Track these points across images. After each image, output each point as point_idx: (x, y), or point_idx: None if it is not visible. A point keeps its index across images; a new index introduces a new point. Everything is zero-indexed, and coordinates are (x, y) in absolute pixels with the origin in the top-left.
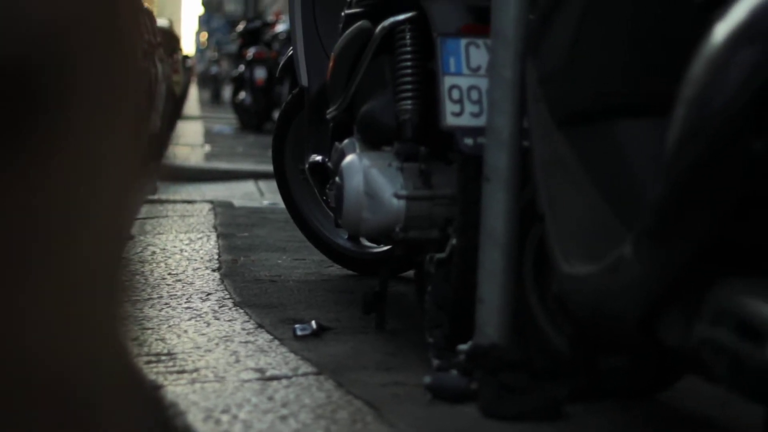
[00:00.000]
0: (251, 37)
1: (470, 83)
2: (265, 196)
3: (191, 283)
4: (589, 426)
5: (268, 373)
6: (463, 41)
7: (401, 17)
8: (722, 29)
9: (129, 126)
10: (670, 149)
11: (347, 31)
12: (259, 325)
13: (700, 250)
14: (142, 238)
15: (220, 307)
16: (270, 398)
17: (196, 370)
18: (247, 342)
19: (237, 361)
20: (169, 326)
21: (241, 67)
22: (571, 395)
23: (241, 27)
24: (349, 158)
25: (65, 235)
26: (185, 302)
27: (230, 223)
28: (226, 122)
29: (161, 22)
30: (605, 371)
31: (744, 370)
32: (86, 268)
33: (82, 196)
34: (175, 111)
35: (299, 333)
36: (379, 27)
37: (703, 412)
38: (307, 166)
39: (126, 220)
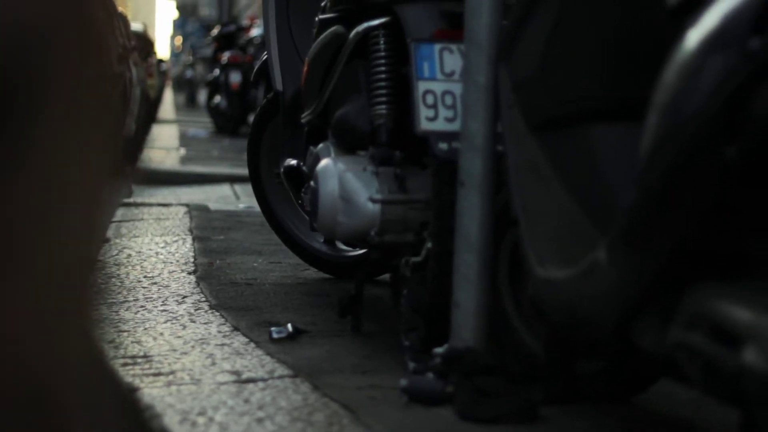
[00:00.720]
0: (226, 41)
1: (444, 88)
2: (241, 199)
3: (167, 286)
4: (565, 429)
5: (244, 376)
6: (437, 46)
7: (375, 22)
8: (694, 35)
9: (103, 129)
10: (644, 155)
11: (321, 36)
12: (235, 328)
13: (674, 254)
14: (117, 241)
15: (195, 310)
16: (246, 401)
17: (172, 372)
18: (223, 345)
19: (213, 363)
20: (145, 329)
21: (216, 71)
22: (546, 399)
23: (215, 31)
24: (324, 162)
25: (39, 237)
26: (161, 305)
27: (206, 227)
28: (201, 126)
29: (135, 26)
30: (581, 375)
31: (718, 373)
32: (60, 271)
33: (55, 198)
34: (149, 114)
35: (275, 336)
36: (353, 32)
37: (678, 415)
38: (282, 170)
39: (100, 222)
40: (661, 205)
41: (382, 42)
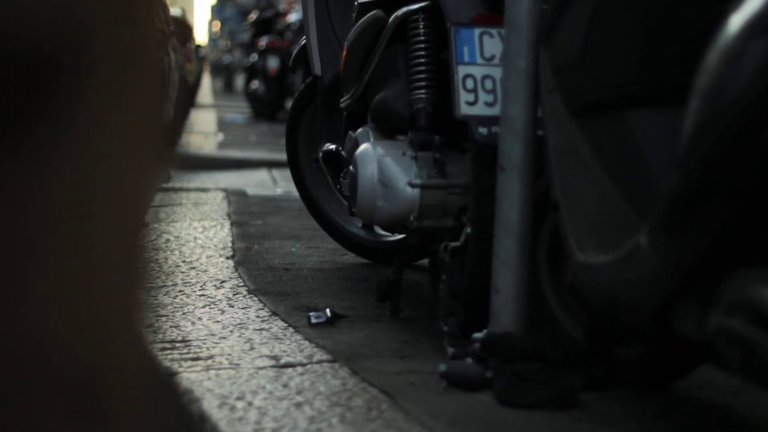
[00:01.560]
0: (264, 26)
1: (484, 73)
2: (279, 184)
3: (205, 271)
4: (603, 415)
5: (283, 361)
6: (477, 31)
7: (415, 7)
8: (736, 20)
9: (143, 114)
10: (685, 140)
11: (360, 21)
12: (274, 313)
13: (715, 240)
14: (156, 225)
15: (234, 295)
16: (285, 385)
17: (211, 357)
18: (261, 329)
19: (251, 348)
20: (184, 314)
21: (254, 57)
22: (585, 385)
23: (253, 16)
24: (363, 147)
25: (78, 222)
26: (199, 290)
27: (244, 211)
28: (239, 111)
29: (174, 11)
30: (620, 361)
31: (758, 359)
32: (100, 256)
33: (94, 182)
34: (188, 100)
35: (314, 321)
36: (393, 16)
37: (716, 402)
38: (320, 154)
39: (140, 207)
40: (702, 190)
41: (421, 26)
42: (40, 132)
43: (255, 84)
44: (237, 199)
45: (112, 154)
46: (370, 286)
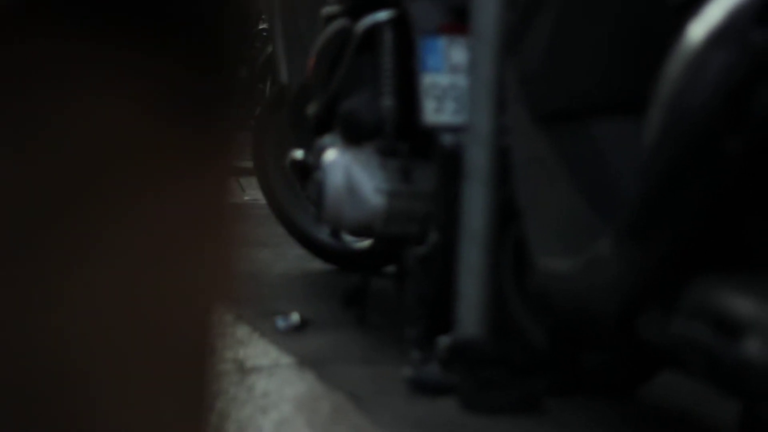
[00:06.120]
0: None
1: (450, 81)
2: (246, 191)
3: None
4: (567, 420)
5: (248, 364)
6: (443, 40)
7: (382, 16)
8: (697, 30)
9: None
10: (647, 148)
11: (327, 29)
12: (239, 317)
13: (677, 246)
14: None
15: None
16: (250, 389)
17: None
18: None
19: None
20: None
21: None
22: (549, 390)
23: None
24: (331, 154)
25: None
26: None
27: None
28: None
29: None
30: (584, 366)
31: (720, 364)
32: None
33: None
34: None
35: (280, 325)
36: (360, 25)
37: (679, 407)
38: (288, 162)
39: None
40: (664, 196)
41: (388, 35)
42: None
43: None
44: None
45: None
46: (337, 292)
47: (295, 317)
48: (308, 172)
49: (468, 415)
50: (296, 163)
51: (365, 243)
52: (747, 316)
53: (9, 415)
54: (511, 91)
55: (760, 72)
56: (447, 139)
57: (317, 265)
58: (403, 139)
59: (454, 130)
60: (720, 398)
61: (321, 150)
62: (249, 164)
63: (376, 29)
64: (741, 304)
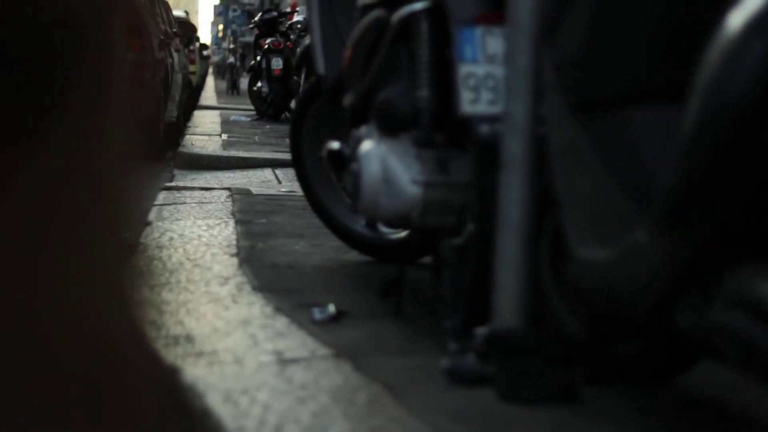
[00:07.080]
0: (268, 27)
1: (486, 71)
2: (283, 183)
3: (209, 268)
4: (603, 410)
5: (287, 356)
6: (480, 29)
7: (418, 6)
8: (737, 18)
9: (142, 112)
10: (685, 137)
11: (363, 20)
12: (278, 309)
13: (714, 236)
14: (159, 224)
15: (238, 292)
16: (288, 380)
17: (215, 352)
18: (265, 325)
19: (255, 344)
20: (188, 310)
21: (258, 57)
22: (586, 380)
23: (257, 17)
24: (367, 145)
25: (76, 220)
26: (203, 287)
27: (248, 210)
28: (243, 112)
29: (178, 12)
30: (620, 356)
31: (758, 353)
32: (99, 254)
33: (92, 177)
34: (191, 100)
35: (317, 317)
36: (396, 16)
37: (715, 397)
38: (324, 153)
39: (139, 205)
40: (701, 186)
41: (424, 25)
42: (32, 123)
43: (259, 85)
44: (241, 197)
45: (108, 151)
46: (374, 284)
47: (331, 308)
48: (344, 163)
49: (505, 405)
50: (332, 154)
51: (401, 234)
52: None
53: None
54: (548, 80)
55: None
56: (483, 130)
57: (353, 256)
58: (439, 129)
59: (491, 120)
60: (758, 388)
61: (357, 141)
62: (286, 156)
63: (412, 19)
64: None
